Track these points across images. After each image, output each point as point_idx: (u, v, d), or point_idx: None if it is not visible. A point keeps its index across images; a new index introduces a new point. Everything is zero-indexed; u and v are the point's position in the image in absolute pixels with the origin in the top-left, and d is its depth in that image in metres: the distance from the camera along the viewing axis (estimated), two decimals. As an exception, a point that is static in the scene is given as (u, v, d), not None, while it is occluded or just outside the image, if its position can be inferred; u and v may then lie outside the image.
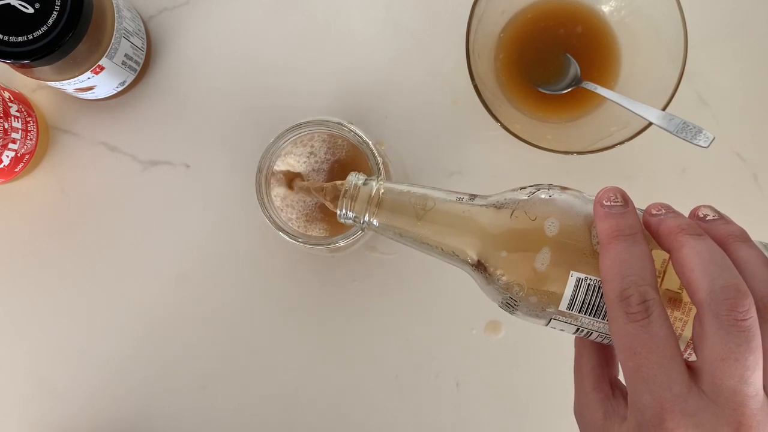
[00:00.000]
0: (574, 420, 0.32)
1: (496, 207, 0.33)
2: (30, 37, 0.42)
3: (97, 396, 0.52)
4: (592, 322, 0.30)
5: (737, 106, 0.53)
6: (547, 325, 0.32)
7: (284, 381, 0.52)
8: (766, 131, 0.53)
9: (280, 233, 0.45)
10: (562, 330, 0.32)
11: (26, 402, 0.52)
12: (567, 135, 0.51)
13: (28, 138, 0.50)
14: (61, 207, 0.53)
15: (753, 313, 0.26)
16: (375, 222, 0.35)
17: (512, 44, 0.52)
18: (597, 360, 0.32)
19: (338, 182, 0.43)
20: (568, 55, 0.51)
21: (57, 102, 0.53)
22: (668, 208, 0.31)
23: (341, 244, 0.45)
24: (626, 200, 0.31)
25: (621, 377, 0.30)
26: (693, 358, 0.29)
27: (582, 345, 0.33)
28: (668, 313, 0.29)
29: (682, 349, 0.30)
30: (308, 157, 0.48)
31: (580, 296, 0.30)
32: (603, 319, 0.30)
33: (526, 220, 0.31)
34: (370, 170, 0.46)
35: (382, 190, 0.35)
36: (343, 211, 0.35)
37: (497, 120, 0.46)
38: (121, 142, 0.53)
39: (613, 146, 0.46)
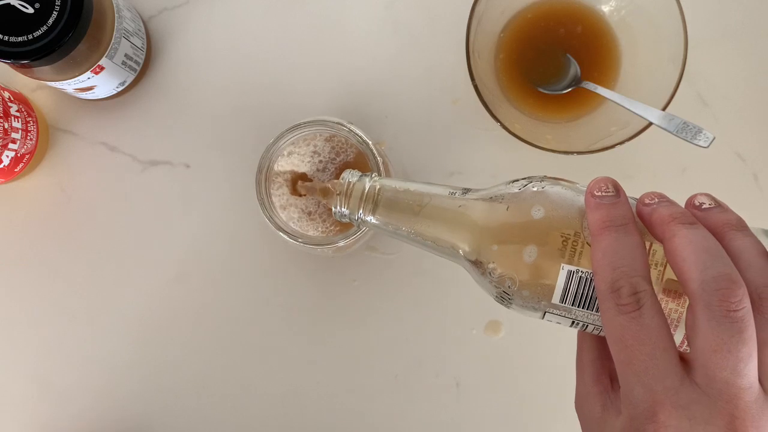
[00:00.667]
0: (574, 420, 0.32)
1: (487, 200, 0.33)
2: (30, 37, 0.42)
3: (97, 396, 0.52)
4: (586, 315, 0.30)
5: (737, 106, 0.53)
6: (543, 318, 0.31)
7: (284, 381, 0.52)
8: (766, 131, 0.53)
9: (280, 233, 0.45)
10: (558, 323, 0.32)
11: (26, 402, 0.52)
12: (567, 135, 0.51)
13: (28, 138, 0.50)
14: (61, 207, 0.53)
15: (746, 304, 0.26)
16: (369, 218, 0.35)
17: (512, 44, 0.52)
18: (597, 353, 0.32)
19: (335, 180, 0.43)
20: (568, 55, 0.51)
21: (57, 102, 0.53)
22: (662, 197, 0.30)
23: (341, 244, 0.45)
24: (618, 190, 0.30)
25: None
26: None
27: (583, 338, 0.33)
28: (666, 305, 0.29)
29: (680, 341, 0.29)
30: (312, 156, 0.48)
31: (572, 289, 0.30)
32: (597, 311, 0.30)
33: (516, 213, 0.31)
34: (371, 170, 0.46)
35: (378, 186, 0.35)
36: (338, 208, 0.36)
37: (497, 120, 0.46)
38: (121, 142, 0.53)
39: (613, 146, 0.46)
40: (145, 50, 0.51)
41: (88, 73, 0.46)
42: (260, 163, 0.46)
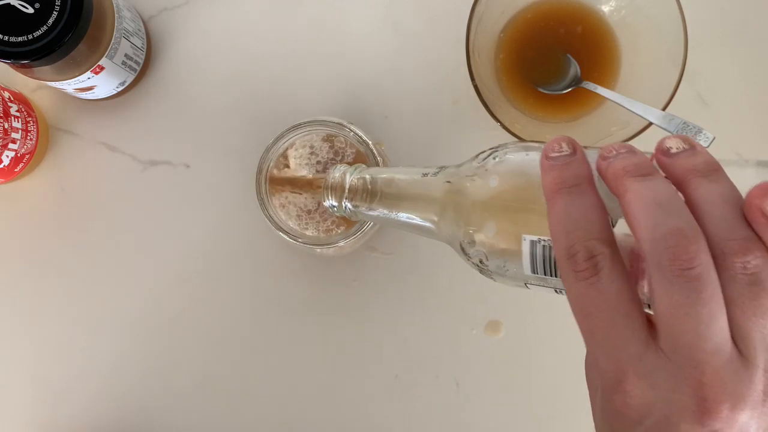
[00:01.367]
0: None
1: (453, 177, 0.33)
2: (30, 37, 0.42)
3: (97, 396, 0.52)
4: (560, 282, 0.29)
5: (737, 106, 0.53)
6: (528, 288, 0.30)
7: (284, 380, 0.52)
8: (766, 131, 0.53)
9: (280, 233, 0.45)
10: (545, 293, 0.30)
11: (26, 402, 0.52)
12: (567, 135, 0.51)
13: (28, 138, 0.50)
14: (61, 207, 0.53)
15: (702, 260, 0.23)
16: (352, 207, 0.38)
17: (512, 44, 0.52)
18: None
19: (321, 175, 0.47)
20: (569, 55, 0.51)
21: (57, 102, 0.53)
22: (621, 148, 0.27)
23: (341, 244, 0.45)
24: (575, 148, 0.28)
25: None
26: None
27: None
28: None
29: None
30: (311, 156, 0.48)
31: (539, 259, 0.28)
32: None
33: (477, 187, 0.30)
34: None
35: (366, 176, 0.37)
36: (327, 201, 0.39)
37: (497, 120, 0.46)
38: (121, 142, 0.53)
39: (613, 146, 0.45)
40: (145, 50, 0.51)
41: (88, 73, 0.46)
42: (260, 163, 0.46)
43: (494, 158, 0.31)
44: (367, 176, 0.37)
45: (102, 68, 0.47)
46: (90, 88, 0.49)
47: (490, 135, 0.52)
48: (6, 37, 0.42)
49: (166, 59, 0.53)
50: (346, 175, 0.38)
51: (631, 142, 0.45)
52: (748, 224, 0.24)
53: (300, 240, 0.46)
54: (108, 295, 0.52)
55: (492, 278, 0.31)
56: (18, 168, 0.50)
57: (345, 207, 0.38)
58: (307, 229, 0.48)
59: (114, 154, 0.53)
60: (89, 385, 0.52)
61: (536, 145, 0.31)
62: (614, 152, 0.27)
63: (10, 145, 0.48)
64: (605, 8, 0.51)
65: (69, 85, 0.47)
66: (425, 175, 0.35)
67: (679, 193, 0.25)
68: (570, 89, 0.50)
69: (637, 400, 0.24)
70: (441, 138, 0.53)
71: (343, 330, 0.52)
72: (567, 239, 0.25)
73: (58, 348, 0.52)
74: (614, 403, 0.24)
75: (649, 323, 0.25)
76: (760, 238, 0.23)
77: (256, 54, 0.53)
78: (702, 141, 0.44)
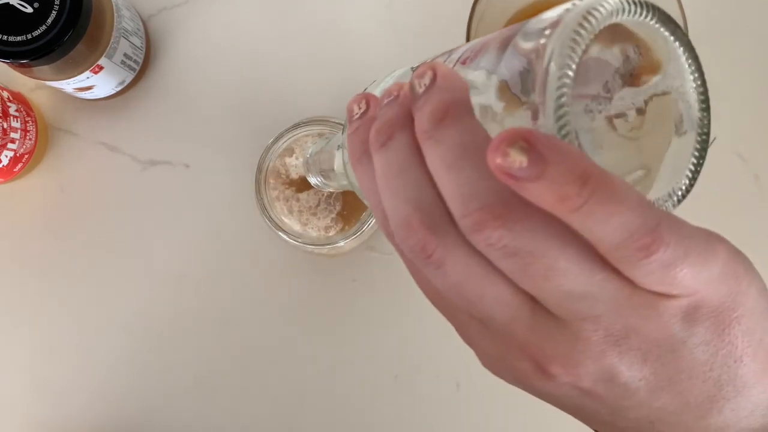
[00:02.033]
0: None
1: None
2: (29, 36, 0.42)
3: (97, 396, 0.52)
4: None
5: (737, 106, 0.53)
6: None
7: (283, 381, 0.52)
8: (766, 131, 0.53)
9: (280, 233, 0.45)
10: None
11: (26, 402, 0.52)
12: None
13: (27, 138, 0.50)
14: (60, 207, 0.53)
15: (433, 248, 0.20)
16: (315, 181, 0.36)
17: (512, 44, 0.51)
18: None
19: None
20: (569, 55, 0.51)
21: (56, 102, 0.53)
22: (397, 92, 0.22)
23: (341, 244, 0.45)
24: (368, 104, 0.24)
25: None
26: None
27: None
28: None
29: None
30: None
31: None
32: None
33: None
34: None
35: (313, 150, 0.36)
36: (311, 177, 0.37)
37: (497, 120, 0.46)
38: (120, 142, 0.53)
39: (614, 146, 0.45)
40: (144, 50, 0.51)
41: (87, 73, 0.46)
42: (260, 163, 0.46)
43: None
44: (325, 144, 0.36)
45: (101, 68, 0.47)
46: (89, 88, 0.49)
47: (490, 135, 0.52)
48: (5, 37, 0.42)
49: (166, 59, 0.53)
50: (334, 146, 0.35)
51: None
52: (492, 183, 0.19)
53: (299, 240, 0.45)
54: (108, 295, 0.52)
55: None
56: (17, 168, 0.50)
57: (329, 182, 0.36)
58: (306, 229, 0.48)
59: (113, 154, 0.53)
60: (89, 385, 0.52)
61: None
62: (386, 100, 0.23)
63: (9, 145, 0.48)
64: (605, 8, 0.51)
65: (68, 85, 0.47)
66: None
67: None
68: (570, 89, 0.50)
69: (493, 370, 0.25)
70: (441, 138, 0.53)
71: (342, 330, 0.52)
72: (385, 227, 0.23)
73: (58, 348, 0.52)
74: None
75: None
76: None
77: (256, 53, 0.53)
78: (702, 141, 0.44)
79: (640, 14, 0.20)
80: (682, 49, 0.23)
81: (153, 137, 0.53)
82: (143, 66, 0.52)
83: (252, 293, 0.52)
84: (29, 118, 0.50)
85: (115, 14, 0.46)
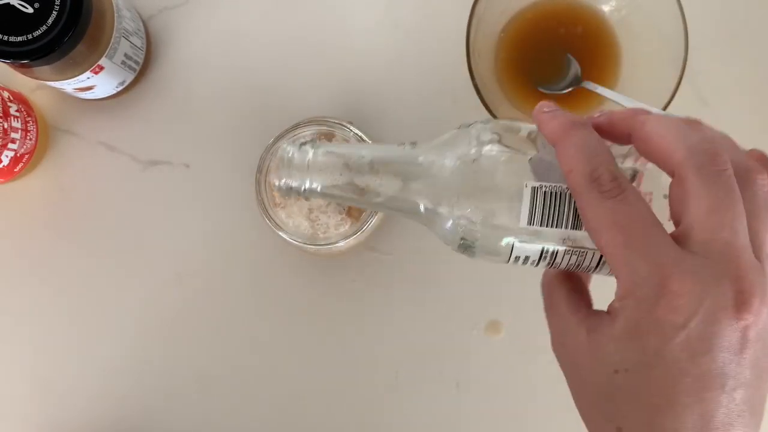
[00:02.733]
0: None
1: (438, 149, 0.33)
2: (29, 36, 0.42)
3: (97, 396, 0.52)
4: (554, 235, 0.29)
5: (737, 106, 0.53)
6: (509, 257, 0.30)
7: (283, 381, 0.52)
8: (766, 131, 0.53)
9: (280, 233, 0.45)
10: (527, 258, 0.30)
11: (26, 402, 0.52)
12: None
13: (28, 138, 0.50)
14: (60, 207, 0.53)
15: (730, 166, 0.27)
16: (316, 186, 0.33)
17: (512, 44, 0.52)
18: (569, 285, 0.31)
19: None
20: (569, 55, 0.51)
21: (56, 102, 0.53)
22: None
23: (341, 244, 0.45)
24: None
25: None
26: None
27: (550, 280, 0.32)
28: None
29: None
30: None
31: (539, 207, 0.29)
32: (566, 227, 0.29)
33: (468, 156, 0.31)
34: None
35: (321, 151, 0.33)
36: (282, 181, 0.33)
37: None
38: (120, 142, 0.53)
39: (614, 146, 0.45)
40: (144, 50, 0.51)
41: (88, 73, 0.46)
42: (260, 163, 0.46)
43: (478, 126, 0.32)
44: (337, 152, 0.33)
45: (101, 68, 0.47)
46: (89, 88, 0.49)
47: (490, 135, 0.52)
48: (5, 37, 0.42)
49: (166, 59, 0.53)
50: (308, 152, 0.33)
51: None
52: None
53: (299, 240, 0.45)
54: (108, 295, 0.52)
55: (472, 252, 0.31)
56: (17, 168, 0.50)
57: (304, 189, 0.33)
58: (306, 228, 0.48)
59: (113, 154, 0.53)
60: (89, 385, 0.52)
61: (517, 122, 0.32)
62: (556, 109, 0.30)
63: (10, 145, 0.48)
64: (606, 8, 0.51)
65: (68, 85, 0.47)
66: (402, 145, 0.34)
67: None
68: (570, 89, 0.50)
69: (685, 300, 0.25)
70: (441, 138, 0.53)
71: (342, 330, 0.52)
72: (589, 164, 0.27)
73: (58, 348, 0.52)
74: (657, 312, 0.25)
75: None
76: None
77: (256, 53, 0.53)
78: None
79: None
80: None
81: (153, 137, 0.53)
82: (143, 66, 0.52)
83: (252, 293, 0.52)
84: (30, 118, 0.50)
85: (116, 15, 0.46)
